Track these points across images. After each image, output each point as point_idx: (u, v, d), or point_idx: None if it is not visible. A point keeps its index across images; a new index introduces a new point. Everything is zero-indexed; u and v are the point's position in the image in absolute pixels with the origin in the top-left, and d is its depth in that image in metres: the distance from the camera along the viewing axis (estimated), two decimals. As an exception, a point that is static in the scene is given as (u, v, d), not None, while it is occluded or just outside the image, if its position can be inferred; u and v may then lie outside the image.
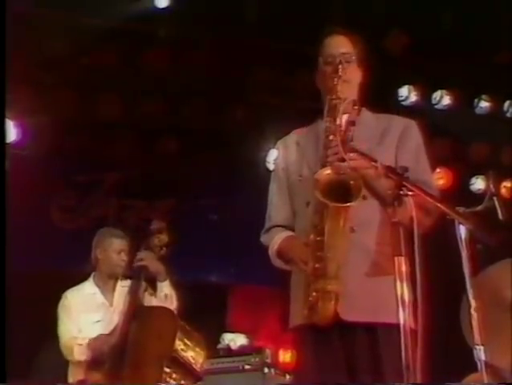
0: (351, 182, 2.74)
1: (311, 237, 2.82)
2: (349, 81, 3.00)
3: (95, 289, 4.70)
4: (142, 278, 4.50)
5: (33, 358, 6.28)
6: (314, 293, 2.80)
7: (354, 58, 3.06)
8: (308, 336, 2.90)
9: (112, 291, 4.70)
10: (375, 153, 2.84)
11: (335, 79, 2.94)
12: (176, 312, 4.53)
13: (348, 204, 2.72)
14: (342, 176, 2.76)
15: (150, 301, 4.51)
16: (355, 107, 2.99)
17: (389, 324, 2.65)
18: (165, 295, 4.50)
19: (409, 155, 3.00)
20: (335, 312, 2.80)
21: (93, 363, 4.38)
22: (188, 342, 4.38)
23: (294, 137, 3.20)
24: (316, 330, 2.85)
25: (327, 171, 2.80)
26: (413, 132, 3.08)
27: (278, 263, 3.06)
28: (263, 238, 3.15)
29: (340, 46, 3.06)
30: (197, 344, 4.44)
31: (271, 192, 3.21)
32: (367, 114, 3.10)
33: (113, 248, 4.68)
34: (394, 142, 3.02)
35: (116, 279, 4.72)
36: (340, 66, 2.94)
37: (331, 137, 2.89)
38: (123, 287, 4.66)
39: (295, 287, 2.98)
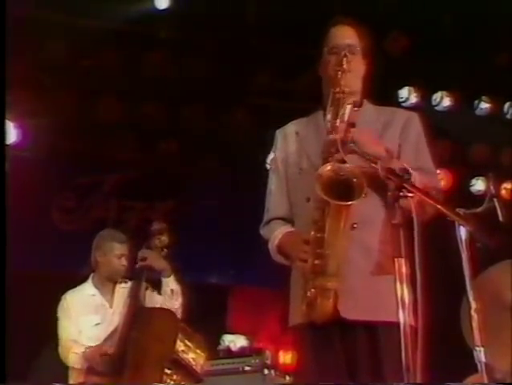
0: (354, 180, 2.73)
1: (312, 233, 2.79)
2: (353, 72, 2.97)
3: (95, 291, 4.69)
4: (143, 279, 4.50)
5: (33, 359, 6.28)
6: (312, 290, 2.78)
7: (359, 49, 3.04)
8: (308, 335, 2.89)
9: (112, 292, 4.69)
10: None
11: (339, 72, 2.91)
12: (181, 307, 4.53)
13: (350, 202, 2.71)
14: (342, 176, 2.75)
15: (153, 298, 4.52)
16: (356, 109, 2.98)
17: (390, 322, 2.64)
18: (171, 290, 4.50)
19: (410, 146, 2.99)
20: (335, 310, 2.79)
21: (93, 369, 4.38)
22: (189, 344, 4.38)
23: (292, 127, 3.17)
24: (316, 328, 2.84)
25: (328, 167, 2.78)
26: (415, 124, 3.06)
27: (278, 258, 3.04)
28: (263, 231, 3.12)
29: (346, 36, 3.04)
30: (198, 345, 4.44)
31: (270, 183, 3.17)
32: (369, 106, 3.08)
33: (114, 253, 4.66)
34: (396, 135, 3.01)
35: (116, 281, 4.72)
36: (345, 59, 2.92)
37: (333, 133, 2.88)
38: (123, 288, 4.66)
39: (295, 285, 2.97)
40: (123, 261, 4.67)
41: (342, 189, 2.71)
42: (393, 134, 3.01)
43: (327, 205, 2.74)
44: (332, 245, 2.76)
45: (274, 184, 3.16)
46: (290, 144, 3.12)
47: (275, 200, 3.13)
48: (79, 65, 6.65)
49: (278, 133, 3.21)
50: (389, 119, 3.05)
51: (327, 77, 3.01)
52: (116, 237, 4.77)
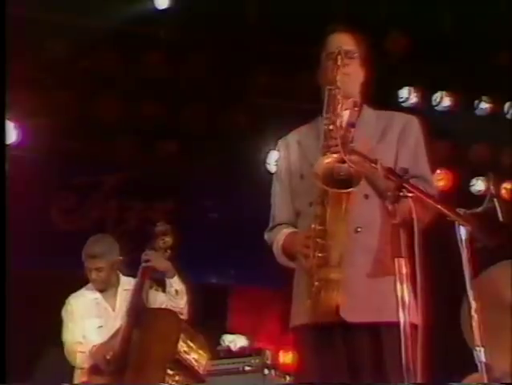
0: (351, 169, 2.73)
1: (313, 226, 2.80)
2: (350, 76, 2.99)
3: (97, 294, 4.67)
4: (145, 280, 4.49)
5: (33, 359, 6.28)
6: (316, 283, 2.78)
7: (357, 55, 3.06)
8: (309, 336, 2.89)
9: (114, 296, 4.68)
10: (376, 151, 2.84)
11: (335, 70, 2.93)
12: (187, 306, 4.55)
13: (349, 189, 2.72)
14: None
15: (158, 297, 4.53)
16: (356, 109, 2.98)
17: (393, 323, 2.63)
18: (176, 291, 4.51)
19: (409, 151, 3.00)
20: (338, 313, 2.79)
21: (96, 368, 4.37)
22: (192, 344, 4.37)
23: (295, 136, 3.19)
24: (317, 329, 2.84)
25: (328, 159, 2.79)
26: (413, 128, 3.08)
27: (282, 260, 3.06)
28: (267, 236, 3.16)
29: (343, 43, 3.05)
30: (200, 346, 4.42)
31: (274, 192, 3.21)
32: (368, 111, 3.10)
33: (88, 268, 4.63)
34: (394, 139, 3.02)
35: (116, 284, 4.70)
36: (339, 57, 2.93)
37: (331, 127, 2.88)
38: (126, 291, 4.64)
39: (298, 285, 2.97)
40: (93, 275, 4.61)
41: (340, 180, 2.72)
42: (391, 139, 3.02)
43: (326, 196, 2.76)
44: (334, 235, 2.77)
45: (277, 192, 3.19)
46: (292, 153, 3.15)
47: (279, 207, 3.16)
48: (79, 65, 6.66)
49: (281, 143, 3.24)
50: (388, 123, 3.06)
51: (325, 81, 3.02)
52: (88, 251, 4.64)
